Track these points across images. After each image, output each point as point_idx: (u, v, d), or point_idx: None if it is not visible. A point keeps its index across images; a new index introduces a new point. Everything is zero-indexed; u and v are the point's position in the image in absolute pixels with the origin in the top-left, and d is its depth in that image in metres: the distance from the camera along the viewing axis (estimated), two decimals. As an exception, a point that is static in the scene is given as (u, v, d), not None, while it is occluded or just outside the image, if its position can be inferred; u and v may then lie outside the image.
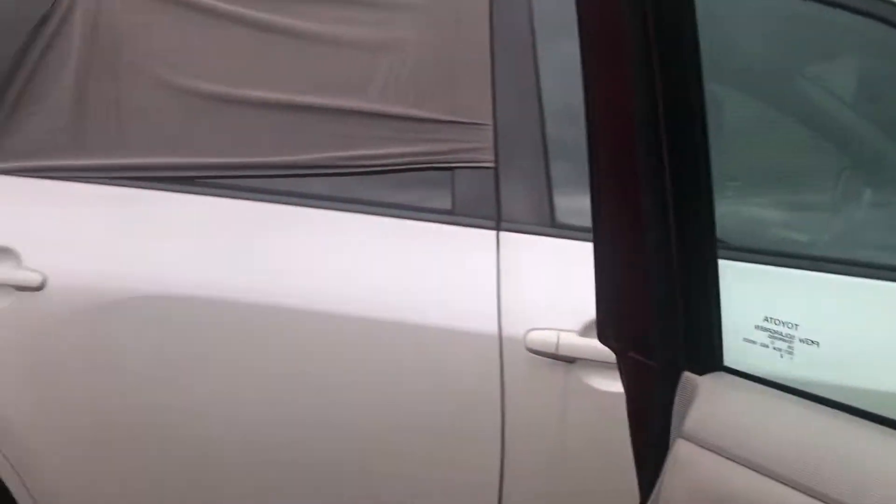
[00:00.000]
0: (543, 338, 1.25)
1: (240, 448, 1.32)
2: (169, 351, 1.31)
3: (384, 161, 1.33)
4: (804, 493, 0.60)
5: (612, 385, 1.22)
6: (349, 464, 1.30)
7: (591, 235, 0.79)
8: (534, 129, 1.32)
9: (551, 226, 1.31)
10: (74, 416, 1.34)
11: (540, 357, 1.25)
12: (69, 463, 1.36)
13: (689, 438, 0.71)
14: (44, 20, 1.48)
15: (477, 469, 1.30)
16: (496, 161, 1.32)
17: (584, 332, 1.24)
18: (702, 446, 0.69)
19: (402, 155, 1.33)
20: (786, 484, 0.62)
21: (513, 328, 1.26)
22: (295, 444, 1.30)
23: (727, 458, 0.67)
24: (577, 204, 1.31)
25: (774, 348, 0.83)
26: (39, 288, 1.34)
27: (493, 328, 1.26)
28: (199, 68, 1.41)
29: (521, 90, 1.34)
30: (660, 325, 0.74)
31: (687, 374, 0.74)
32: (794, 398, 0.70)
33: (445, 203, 1.33)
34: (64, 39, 1.47)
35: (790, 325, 0.84)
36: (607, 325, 0.79)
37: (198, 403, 1.31)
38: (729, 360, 0.76)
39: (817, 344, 0.87)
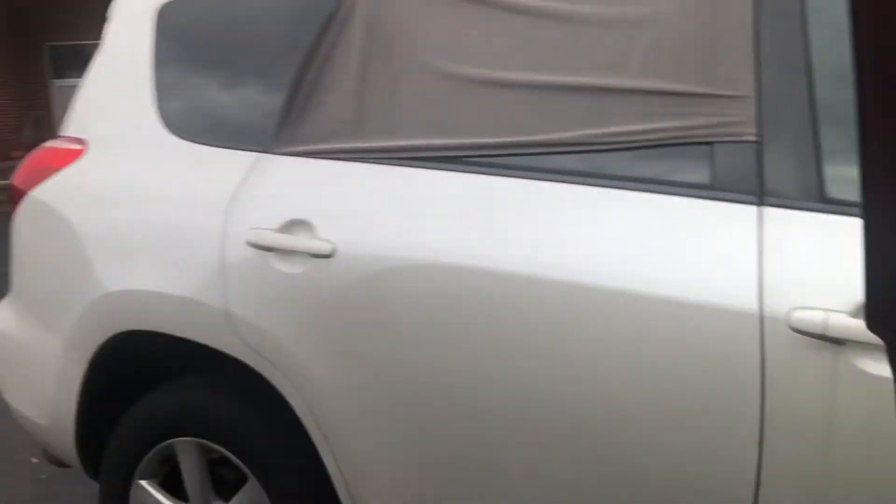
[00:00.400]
0: (810, 317, 1.20)
1: (500, 414, 1.41)
2: (437, 316, 1.43)
3: (642, 137, 1.34)
4: None
5: (887, 370, 1.15)
6: (603, 435, 1.34)
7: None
8: (801, 99, 1.27)
9: (820, 201, 1.25)
10: (359, 370, 1.52)
11: (805, 338, 1.21)
12: (356, 410, 1.54)
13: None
14: (330, 18, 1.67)
15: (732, 460, 1.26)
16: (759, 134, 1.28)
17: (855, 313, 1.18)
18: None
19: (661, 130, 1.33)
20: None
21: (776, 307, 1.22)
22: (551, 417, 1.37)
23: None
24: (849, 176, 1.24)
25: None
26: (330, 256, 1.53)
27: (754, 306, 1.23)
28: (464, 55, 1.51)
29: (787, 58, 1.28)
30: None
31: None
32: None
33: (704, 178, 1.32)
34: (348, 35, 1.64)
35: None
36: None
37: (461, 368, 1.42)
38: None
39: None
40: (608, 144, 1.38)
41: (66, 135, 2.08)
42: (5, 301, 2.21)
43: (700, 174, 1.32)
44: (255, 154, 1.71)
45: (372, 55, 1.61)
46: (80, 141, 2.02)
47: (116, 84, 1.99)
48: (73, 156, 2.00)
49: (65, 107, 14.68)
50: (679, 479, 1.30)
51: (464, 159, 1.49)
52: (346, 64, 1.64)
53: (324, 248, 1.53)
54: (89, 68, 2.10)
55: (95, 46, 2.11)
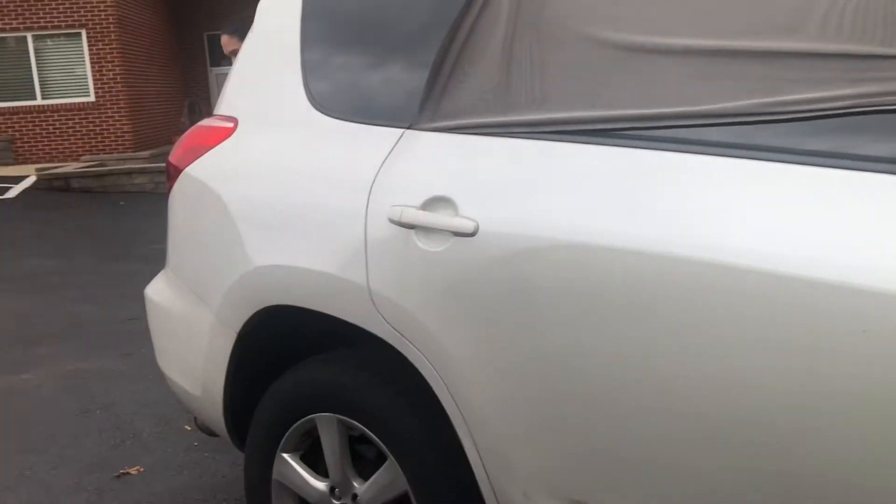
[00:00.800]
0: None
1: (652, 407, 1.31)
2: (584, 300, 1.35)
3: (821, 105, 1.20)
4: None
5: None
6: (776, 434, 1.22)
7: None
8: None
9: None
10: (501, 354, 1.46)
11: None
12: (498, 395, 1.48)
13: None
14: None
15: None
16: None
17: None
18: None
19: (844, 98, 1.19)
20: None
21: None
22: (711, 412, 1.26)
23: None
24: None
25: None
26: (472, 234, 1.48)
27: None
28: (617, 20, 1.41)
29: None
30: None
31: None
32: None
33: (893, 151, 1.16)
34: (494, 5, 1.58)
35: None
36: None
37: (610, 355, 1.33)
38: None
39: None
40: (780, 114, 1.25)
41: (219, 113, 2.14)
42: (161, 274, 2.31)
43: (888, 147, 1.17)
44: (399, 130, 1.69)
45: (518, 24, 1.54)
46: (230, 119, 2.07)
47: (266, 63, 2.02)
48: (224, 134, 2.06)
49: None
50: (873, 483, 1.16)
51: (617, 132, 1.40)
52: (492, 35, 1.58)
53: (466, 226, 1.48)
54: (241, 49, 2.15)
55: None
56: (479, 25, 1.60)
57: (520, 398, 1.45)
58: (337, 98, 1.85)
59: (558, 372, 1.40)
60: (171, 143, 14.36)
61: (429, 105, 1.66)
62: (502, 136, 1.54)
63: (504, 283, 1.44)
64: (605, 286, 1.32)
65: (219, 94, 2.24)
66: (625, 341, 1.31)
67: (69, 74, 14.45)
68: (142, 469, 2.93)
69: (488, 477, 1.55)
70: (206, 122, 2.17)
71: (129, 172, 11.41)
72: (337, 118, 1.82)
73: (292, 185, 1.82)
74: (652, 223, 1.29)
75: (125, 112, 14.44)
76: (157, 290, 2.28)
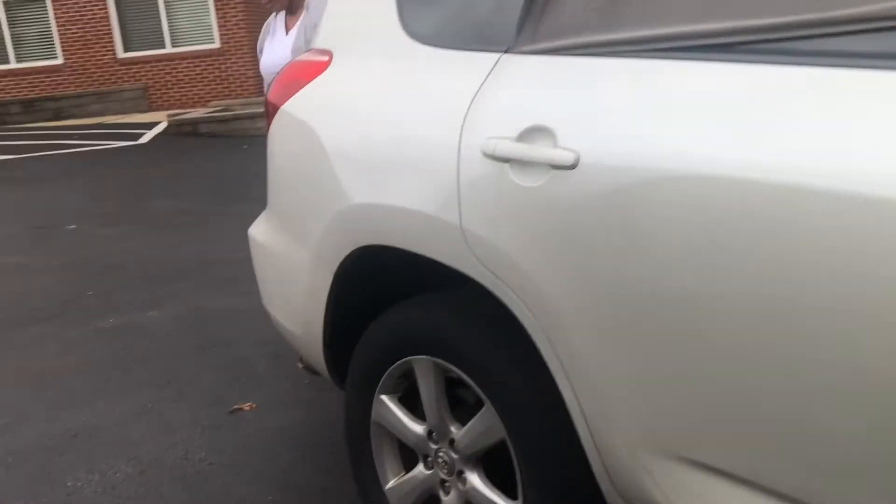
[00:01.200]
0: None
1: (779, 359, 1.16)
2: (699, 238, 1.20)
3: None
4: None
5: None
6: None
7: None
8: None
9: None
10: (603, 297, 1.33)
11: None
12: (598, 340, 1.36)
13: None
14: None
15: None
16: None
17: None
18: None
19: None
20: None
21: None
22: (844, 362, 1.09)
23: None
24: None
25: None
26: (572, 167, 1.34)
27: None
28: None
29: None
30: None
31: None
32: None
33: None
34: None
35: None
36: None
37: (727, 300, 1.18)
38: None
39: None
40: None
41: (315, 47, 2.07)
42: (263, 215, 2.29)
43: None
44: (495, 55, 1.56)
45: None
46: (325, 52, 1.99)
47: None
48: (319, 68, 1.99)
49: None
50: None
51: (742, 47, 1.22)
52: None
53: (565, 157, 1.35)
54: None
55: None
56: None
57: (625, 347, 1.33)
58: (431, 23, 1.73)
59: (669, 318, 1.26)
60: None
61: (527, 25, 1.52)
62: (608, 57, 1.38)
63: (608, 221, 1.31)
64: (724, 223, 1.16)
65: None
66: (747, 285, 1.15)
67: (196, 22, 14.89)
68: (254, 405, 3.00)
69: (590, 431, 1.44)
70: (302, 56, 2.10)
71: (253, 117, 11.70)
72: (431, 45, 1.71)
73: (384, 118, 1.74)
74: (781, 151, 1.12)
75: (248, 58, 14.78)
76: (260, 230, 2.27)
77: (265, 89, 3.40)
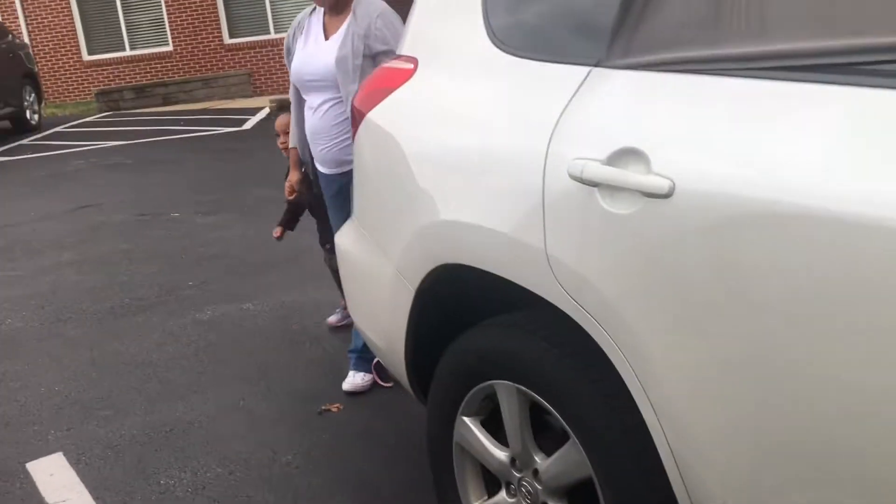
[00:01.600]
0: None
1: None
2: (814, 286, 1.07)
3: None
4: None
5: None
6: None
7: None
8: None
9: None
10: (701, 341, 1.22)
11: None
12: (693, 386, 1.25)
13: None
14: None
15: None
16: None
17: None
18: None
19: None
20: None
21: None
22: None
23: None
24: None
25: None
26: (667, 195, 1.24)
27: None
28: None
29: None
30: None
31: None
32: None
33: None
34: None
35: None
36: None
37: (846, 362, 1.05)
38: None
39: None
40: None
41: (401, 54, 2.01)
42: (349, 221, 2.26)
43: None
44: (585, 69, 1.46)
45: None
46: (411, 60, 1.93)
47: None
48: (404, 76, 1.93)
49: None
50: None
51: (868, 67, 1.08)
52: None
53: (659, 185, 1.24)
54: None
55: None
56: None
57: (722, 395, 1.21)
58: (518, 33, 1.64)
59: (776, 371, 1.13)
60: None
61: (620, 37, 1.41)
62: (710, 75, 1.26)
63: (706, 258, 1.19)
64: (848, 270, 1.04)
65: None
66: (873, 345, 1.02)
67: (300, 8, 15.12)
68: (341, 407, 3.00)
69: (680, 471, 1.34)
70: (388, 63, 2.05)
71: (351, 102, 11.79)
72: (518, 56, 1.62)
73: (468, 132, 1.66)
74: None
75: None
76: (346, 238, 2.24)
77: (292, 95, 3.07)
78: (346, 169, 2.89)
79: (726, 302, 1.18)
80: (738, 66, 1.22)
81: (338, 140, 2.91)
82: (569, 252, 1.40)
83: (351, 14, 2.83)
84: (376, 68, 2.10)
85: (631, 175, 1.29)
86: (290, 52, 3.02)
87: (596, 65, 1.44)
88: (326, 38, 2.89)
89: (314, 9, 2.99)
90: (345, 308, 3.52)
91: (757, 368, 1.16)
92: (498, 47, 1.66)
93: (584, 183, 1.36)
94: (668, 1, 1.34)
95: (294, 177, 3.27)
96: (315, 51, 2.89)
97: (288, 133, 3.29)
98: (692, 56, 1.29)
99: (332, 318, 3.79)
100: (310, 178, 3.22)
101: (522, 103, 1.56)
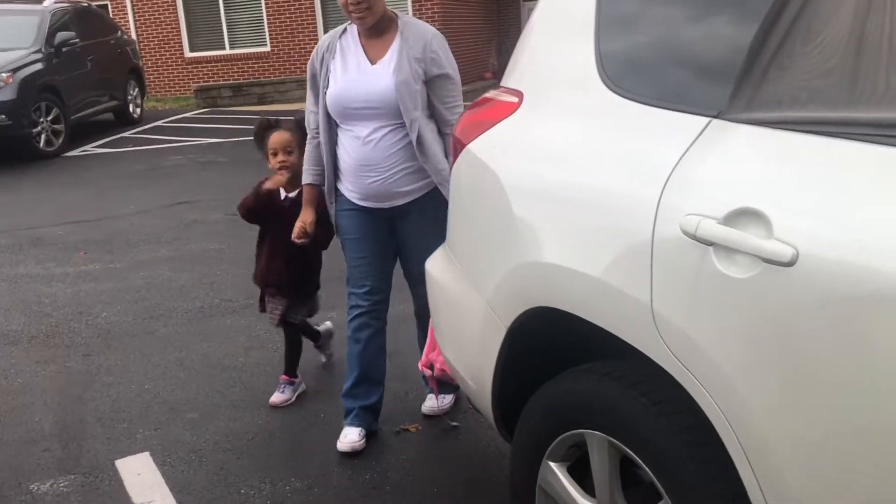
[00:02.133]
0: None
1: None
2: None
3: None
4: None
5: None
6: None
7: None
8: None
9: None
10: (816, 419, 1.15)
11: None
12: (804, 468, 1.18)
13: None
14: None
15: None
16: None
17: None
18: None
19: None
20: None
21: None
22: None
23: None
24: None
25: None
26: (790, 264, 1.17)
27: None
28: None
29: None
30: None
31: None
32: None
33: None
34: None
35: None
36: None
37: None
38: None
39: None
40: None
41: (505, 86, 1.99)
42: (441, 249, 2.25)
43: None
44: (704, 119, 1.40)
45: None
46: (516, 93, 1.90)
47: (556, 33, 1.81)
48: (508, 109, 1.90)
49: (530, 29, 15.45)
50: None
51: None
52: (836, 8, 1.22)
53: (782, 252, 1.18)
54: (532, 15, 1.96)
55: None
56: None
57: (838, 478, 1.14)
58: (633, 77, 1.59)
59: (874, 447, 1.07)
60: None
61: (744, 89, 1.34)
62: (843, 139, 1.19)
63: (831, 335, 1.12)
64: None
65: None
66: None
67: (393, 13, 15.30)
68: (419, 427, 2.99)
69: None
70: (491, 94, 2.02)
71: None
72: (632, 100, 1.57)
73: (574, 174, 1.62)
74: None
75: (440, 49, 14.99)
76: (437, 266, 2.22)
77: (319, 125, 2.75)
78: (397, 203, 2.73)
79: (850, 381, 1.10)
80: (876, 132, 1.15)
81: (393, 171, 2.67)
82: (677, 311, 1.34)
83: (398, 36, 2.64)
84: (479, 98, 2.08)
85: (750, 238, 1.23)
86: (317, 78, 2.75)
87: (716, 116, 1.38)
88: (372, 62, 2.65)
89: (345, 29, 2.75)
90: (289, 383, 3.25)
91: (881, 455, 1.08)
92: (611, 89, 1.61)
93: (697, 240, 1.31)
94: (802, 53, 1.27)
95: (308, 217, 2.86)
96: (361, 76, 2.63)
97: (291, 152, 3.06)
98: (824, 117, 1.22)
99: (276, 398, 3.24)
100: (327, 219, 2.91)
101: (634, 149, 1.51)
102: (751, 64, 1.34)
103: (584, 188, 1.58)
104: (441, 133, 2.72)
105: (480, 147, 1.93)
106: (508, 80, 1.98)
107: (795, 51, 1.27)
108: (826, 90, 1.23)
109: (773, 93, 1.30)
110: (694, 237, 1.31)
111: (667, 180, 1.40)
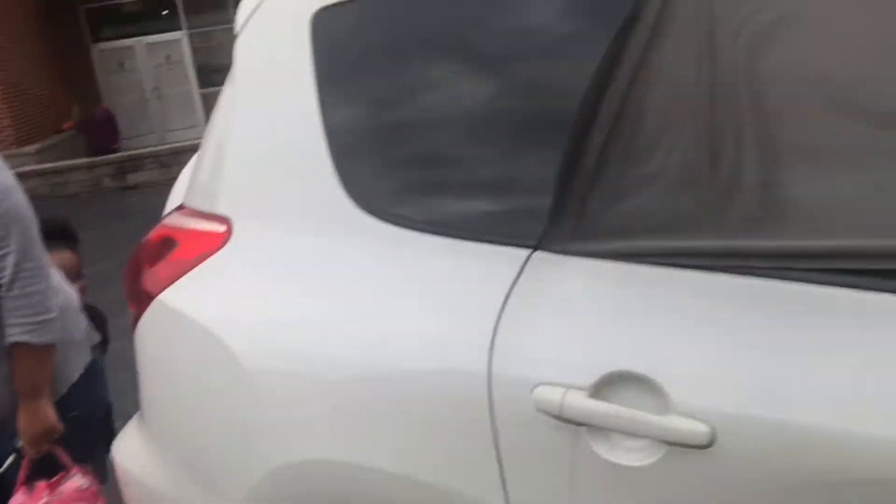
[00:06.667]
0: None
1: None
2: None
3: None
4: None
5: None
6: None
7: None
8: None
9: None
10: None
11: None
12: None
13: None
14: (630, 25, 1.01)
15: None
16: None
17: None
18: None
19: None
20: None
21: None
22: None
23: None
24: None
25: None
26: (706, 446, 0.91)
27: None
28: None
29: None
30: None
31: None
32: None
33: None
34: (666, 55, 0.99)
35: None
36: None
37: None
38: None
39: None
40: None
41: (194, 208, 1.47)
42: (133, 427, 1.64)
43: None
44: (522, 252, 1.08)
45: (716, 87, 0.96)
46: (219, 219, 1.40)
47: (268, 133, 1.35)
48: (212, 242, 1.40)
49: (107, 72, 14.05)
50: None
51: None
52: (668, 106, 0.99)
53: (692, 431, 0.91)
54: (216, 109, 1.48)
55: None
56: (641, 90, 1.01)
57: None
58: (399, 193, 1.22)
59: None
60: (61, 131, 12.93)
61: (568, 212, 1.06)
62: (711, 271, 0.96)
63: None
64: None
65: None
66: None
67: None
68: None
69: None
70: (176, 222, 1.49)
71: (17, 176, 10.19)
72: (403, 226, 1.19)
73: (346, 332, 1.19)
74: None
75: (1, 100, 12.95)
76: (130, 453, 1.61)
77: None
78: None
79: None
80: (741, 263, 0.94)
81: None
82: (554, 517, 1.01)
83: None
84: (156, 230, 1.52)
85: (640, 416, 0.95)
86: None
87: (536, 247, 1.08)
88: None
89: None
90: None
91: None
92: (367, 211, 1.22)
93: (561, 420, 0.99)
94: (628, 177, 1.01)
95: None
96: None
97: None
98: (677, 246, 0.98)
99: None
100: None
101: (430, 301, 1.14)
102: (566, 182, 1.06)
103: (361, 357, 1.17)
104: None
105: (180, 297, 1.40)
106: (193, 198, 1.47)
107: (623, 170, 1.02)
108: (672, 215, 1.00)
109: (604, 220, 1.04)
110: (558, 416, 0.99)
111: (492, 341, 1.06)
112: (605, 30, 1.02)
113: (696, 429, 0.91)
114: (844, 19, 0.92)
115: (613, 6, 1.02)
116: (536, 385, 1.01)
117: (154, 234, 1.51)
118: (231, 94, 1.42)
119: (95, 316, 2.22)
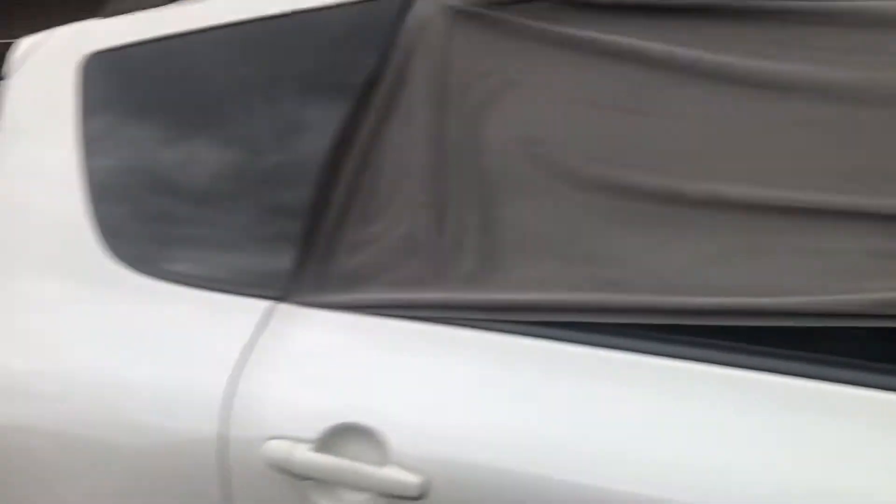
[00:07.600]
0: None
1: None
2: None
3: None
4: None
5: None
6: None
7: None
8: None
9: None
10: None
11: None
12: None
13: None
14: (370, 85, 1.05)
15: None
16: None
17: None
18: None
19: None
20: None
21: None
22: None
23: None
24: None
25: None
26: (418, 498, 0.91)
27: None
28: (644, 150, 0.91)
29: None
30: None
31: None
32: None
33: None
34: (407, 114, 1.03)
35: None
36: None
37: None
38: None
39: None
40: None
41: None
42: None
43: None
44: (262, 303, 1.08)
45: (445, 151, 1.00)
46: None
47: (22, 188, 1.30)
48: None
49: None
50: None
51: (639, 328, 0.90)
52: (406, 163, 1.03)
53: (404, 483, 0.92)
54: None
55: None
56: (382, 146, 1.04)
57: None
58: (155, 246, 1.19)
59: None
60: None
61: (311, 264, 1.07)
62: (447, 324, 0.99)
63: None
64: None
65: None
66: None
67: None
68: None
69: None
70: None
71: None
72: (156, 277, 1.16)
73: (87, 394, 1.14)
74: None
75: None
76: None
77: None
78: None
79: None
80: (471, 316, 0.97)
81: None
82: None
83: None
84: None
85: (360, 468, 0.94)
86: None
87: (279, 299, 1.07)
88: None
89: None
90: None
91: None
92: (124, 263, 1.18)
93: (290, 475, 0.98)
94: (370, 229, 1.04)
95: None
96: None
97: None
98: (410, 299, 1.00)
99: None
100: None
101: (176, 351, 1.11)
102: (310, 235, 1.07)
103: (101, 418, 1.12)
104: None
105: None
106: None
107: (365, 222, 1.04)
108: (401, 268, 1.02)
109: (342, 271, 1.05)
110: (286, 470, 0.97)
111: (233, 393, 1.04)
112: (347, 93, 1.05)
113: (407, 480, 0.91)
114: (560, 84, 0.97)
115: (355, 69, 1.05)
116: (268, 440, 0.99)
117: None
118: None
119: None
